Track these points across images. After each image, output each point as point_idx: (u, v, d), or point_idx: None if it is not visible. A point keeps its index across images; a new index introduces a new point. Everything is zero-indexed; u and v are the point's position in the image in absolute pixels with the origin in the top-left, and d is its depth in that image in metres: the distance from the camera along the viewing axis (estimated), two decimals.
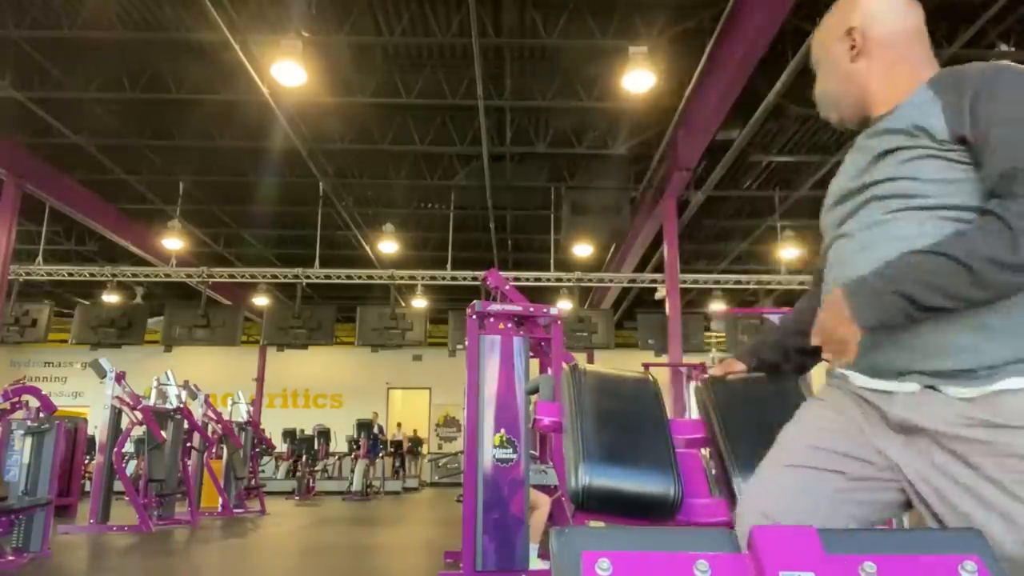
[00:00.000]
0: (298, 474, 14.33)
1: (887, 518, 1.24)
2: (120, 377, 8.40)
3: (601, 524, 1.42)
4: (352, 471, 13.99)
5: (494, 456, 4.83)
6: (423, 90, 8.26)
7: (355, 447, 14.45)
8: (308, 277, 12.37)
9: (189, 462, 9.40)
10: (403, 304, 13.76)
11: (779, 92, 7.28)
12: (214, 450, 10.48)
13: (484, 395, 4.92)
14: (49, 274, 12.58)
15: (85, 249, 13.21)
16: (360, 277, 12.68)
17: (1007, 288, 1.07)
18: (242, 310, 13.11)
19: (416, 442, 18.40)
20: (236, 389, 12.78)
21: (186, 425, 9.24)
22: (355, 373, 19.40)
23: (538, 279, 12.27)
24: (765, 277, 12.70)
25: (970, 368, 1.10)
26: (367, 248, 12.72)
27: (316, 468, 15.07)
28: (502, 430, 4.87)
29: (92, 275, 12.79)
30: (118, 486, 8.33)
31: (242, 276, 13.55)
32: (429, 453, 19.14)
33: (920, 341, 1.14)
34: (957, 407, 1.10)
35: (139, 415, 8.30)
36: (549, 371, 5.36)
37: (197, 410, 9.98)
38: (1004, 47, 7.08)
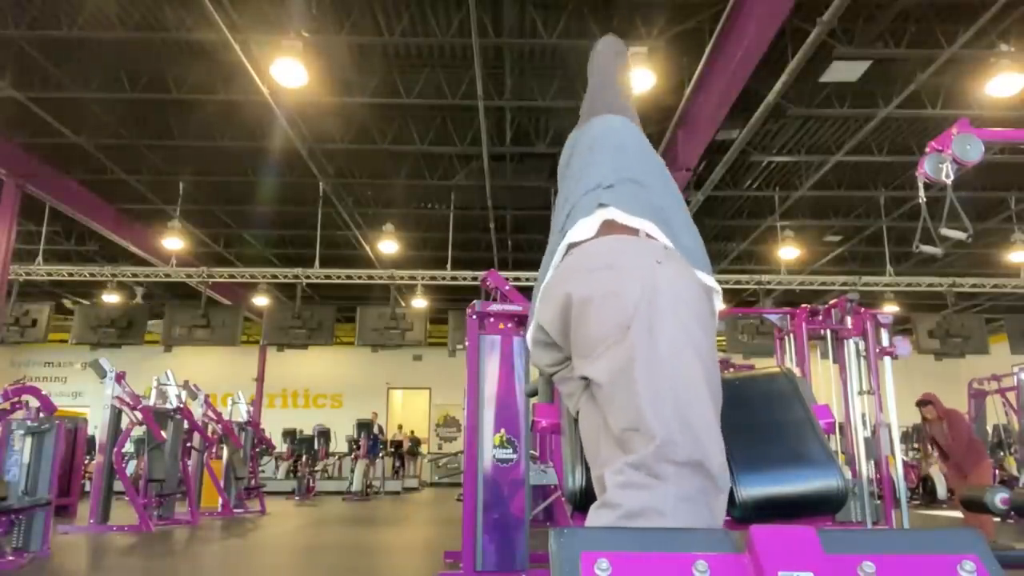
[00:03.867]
0: (298, 474, 14.34)
1: None
2: (120, 377, 8.41)
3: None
4: (352, 471, 13.99)
5: (494, 456, 4.83)
6: (423, 90, 8.25)
7: (355, 447, 14.45)
8: (308, 277, 12.37)
9: (189, 462, 9.41)
10: (403, 304, 13.76)
11: (779, 92, 7.27)
12: (214, 450, 10.49)
13: (484, 395, 4.93)
14: (49, 274, 12.58)
15: (85, 249, 13.20)
16: (360, 277, 12.68)
17: None
18: (242, 310, 13.11)
19: (415, 442, 18.40)
20: (236, 389, 12.79)
21: (186, 425, 9.25)
22: (355, 373, 19.41)
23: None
24: (765, 277, 12.70)
25: None
26: (367, 248, 12.72)
27: (316, 468, 15.07)
28: (502, 430, 4.87)
29: (92, 275, 12.79)
30: (118, 486, 8.33)
31: (242, 276, 13.56)
32: (429, 453, 19.15)
33: None
34: None
35: (139, 415, 8.31)
36: None
37: (197, 410, 9.99)
38: (1004, 47, 7.08)
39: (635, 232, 1.44)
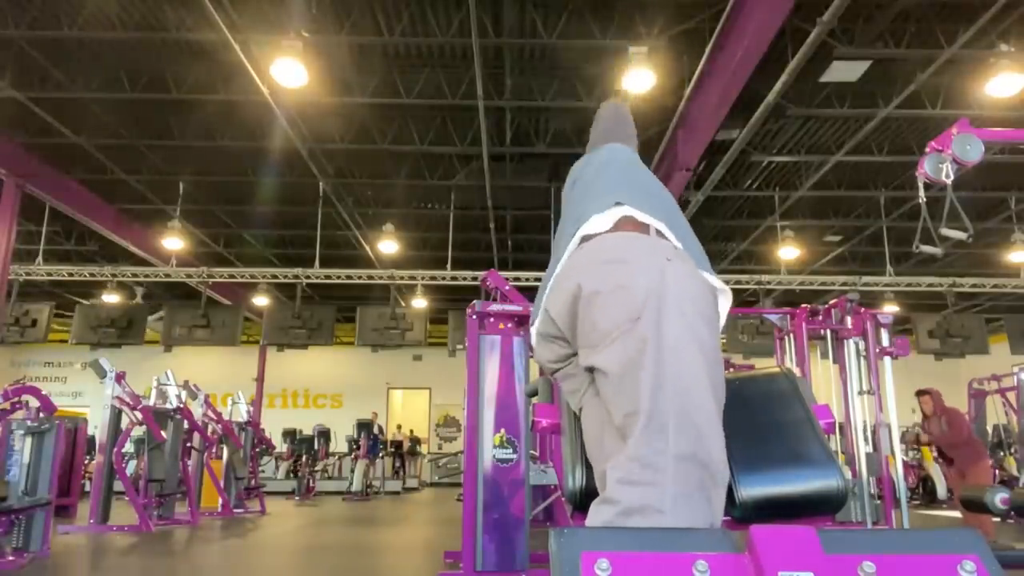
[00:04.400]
0: (298, 474, 14.33)
1: None
2: (120, 377, 8.40)
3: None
4: (352, 471, 13.99)
5: (494, 456, 4.83)
6: (423, 90, 8.25)
7: (355, 447, 14.45)
8: (308, 277, 12.36)
9: (189, 462, 9.41)
10: (403, 304, 13.76)
11: (779, 92, 7.27)
12: (214, 450, 10.49)
13: (484, 395, 4.93)
14: (49, 274, 12.57)
15: (85, 249, 13.20)
16: (360, 277, 12.68)
17: None
18: (242, 310, 13.11)
19: (415, 442, 18.39)
20: (236, 389, 12.78)
21: (186, 425, 9.25)
22: (355, 373, 19.40)
23: (538, 279, 12.26)
24: (765, 277, 12.70)
25: None
26: (367, 248, 12.72)
27: (316, 468, 15.07)
28: (502, 430, 4.87)
29: (92, 275, 12.79)
30: (118, 486, 8.33)
31: (242, 276, 13.54)
32: (429, 453, 19.14)
33: None
34: None
35: (139, 415, 8.30)
36: None
37: (197, 410, 9.99)
38: (1004, 47, 7.07)
39: (646, 230, 1.45)
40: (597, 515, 1.15)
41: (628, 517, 1.10)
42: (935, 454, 9.64)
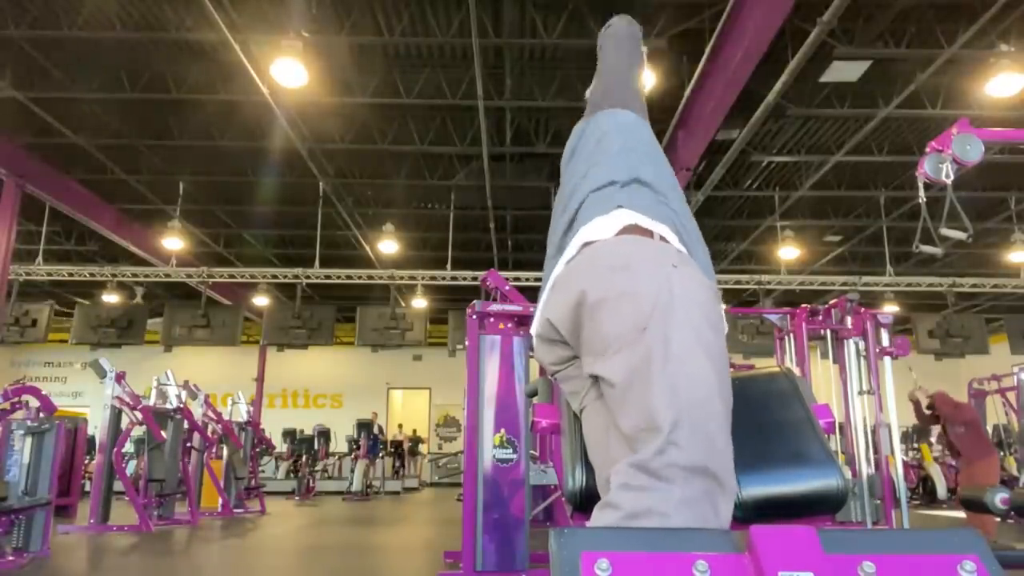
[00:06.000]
0: (298, 474, 14.33)
1: None
2: (120, 377, 8.40)
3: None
4: (352, 471, 13.99)
5: (494, 456, 4.83)
6: (423, 90, 8.25)
7: (355, 447, 14.45)
8: (308, 277, 12.37)
9: (189, 462, 9.41)
10: (403, 304, 13.76)
11: (779, 92, 7.27)
12: (214, 450, 10.49)
13: (484, 395, 4.93)
14: (49, 274, 12.58)
15: (85, 249, 13.21)
16: (360, 277, 12.68)
17: None
18: (242, 310, 13.11)
19: (416, 442, 18.40)
20: (236, 389, 12.79)
21: (186, 425, 9.25)
22: (355, 373, 19.40)
23: (538, 279, 12.23)
24: (765, 277, 12.70)
25: None
26: (367, 248, 12.72)
27: (316, 468, 15.07)
28: (502, 430, 4.88)
29: (92, 275, 12.79)
30: (118, 486, 8.33)
31: (242, 276, 13.55)
32: (429, 453, 19.15)
33: None
34: None
35: (139, 415, 8.31)
36: None
37: (197, 410, 9.99)
38: (1004, 47, 7.08)
39: (650, 234, 1.44)
40: (600, 519, 1.15)
41: (633, 521, 1.09)
42: (936, 453, 9.64)
